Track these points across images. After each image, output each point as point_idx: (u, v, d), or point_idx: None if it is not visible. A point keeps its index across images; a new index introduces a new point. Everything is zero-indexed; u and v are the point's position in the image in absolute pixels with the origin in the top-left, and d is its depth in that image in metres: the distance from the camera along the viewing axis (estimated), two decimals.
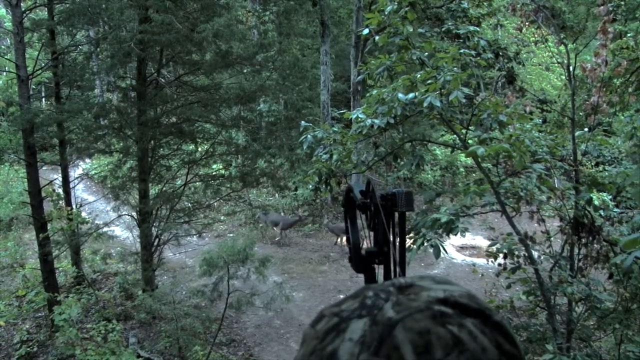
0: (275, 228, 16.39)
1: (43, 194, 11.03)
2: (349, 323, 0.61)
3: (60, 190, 12.30)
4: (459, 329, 0.58)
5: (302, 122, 5.99)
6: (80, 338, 9.07)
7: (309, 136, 5.68)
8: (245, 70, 12.43)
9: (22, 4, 10.81)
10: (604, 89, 6.29)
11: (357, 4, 17.39)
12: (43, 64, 12.64)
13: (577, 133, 5.80)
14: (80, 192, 17.90)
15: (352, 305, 0.64)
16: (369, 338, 0.58)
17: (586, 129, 6.04)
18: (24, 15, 10.95)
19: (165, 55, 11.63)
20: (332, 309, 0.66)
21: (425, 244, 5.03)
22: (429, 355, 0.56)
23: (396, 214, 2.25)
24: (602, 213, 5.68)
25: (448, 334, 0.57)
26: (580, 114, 7.34)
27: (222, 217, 17.64)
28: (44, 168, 12.98)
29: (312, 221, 18.25)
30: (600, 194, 10.54)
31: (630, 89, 8.36)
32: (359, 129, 5.24)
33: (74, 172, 14.42)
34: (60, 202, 11.81)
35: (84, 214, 12.43)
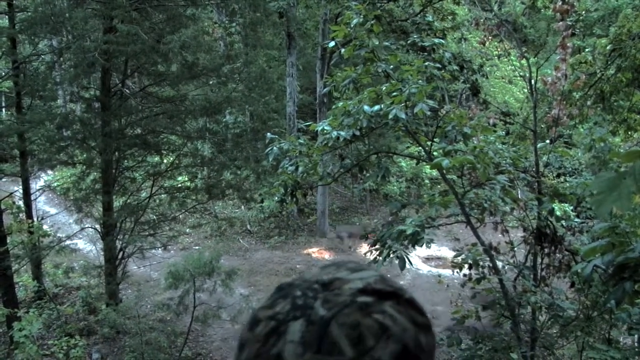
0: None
1: (2, 207, 10.77)
2: (287, 325, 0.68)
3: (21, 203, 12.01)
4: (382, 316, 0.68)
5: (268, 134, 5.99)
6: (40, 355, 8.85)
7: (275, 148, 5.68)
8: (211, 82, 12.34)
9: None
10: (564, 102, 6.44)
11: (323, 16, 17.49)
12: (3, 73, 12.38)
13: (539, 145, 5.92)
14: (42, 204, 17.50)
15: (285, 307, 0.70)
16: (308, 338, 0.65)
17: (547, 141, 6.16)
18: None
19: (130, 66, 11.50)
20: (267, 313, 0.72)
21: (391, 255, 5.07)
22: (363, 345, 0.65)
23: None
24: (564, 223, 5.80)
25: (375, 323, 0.66)
26: (542, 126, 7.50)
27: (187, 230, 17.42)
28: (3, 180, 12.69)
29: (279, 233, 18.19)
30: (562, 204, 10.77)
31: (588, 102, 8.59)
32: (325, 140, 5.26)
33: (36, 184, 14.05)
34: (21, 214, 11.53)
35: (45, 227, 12.14)
